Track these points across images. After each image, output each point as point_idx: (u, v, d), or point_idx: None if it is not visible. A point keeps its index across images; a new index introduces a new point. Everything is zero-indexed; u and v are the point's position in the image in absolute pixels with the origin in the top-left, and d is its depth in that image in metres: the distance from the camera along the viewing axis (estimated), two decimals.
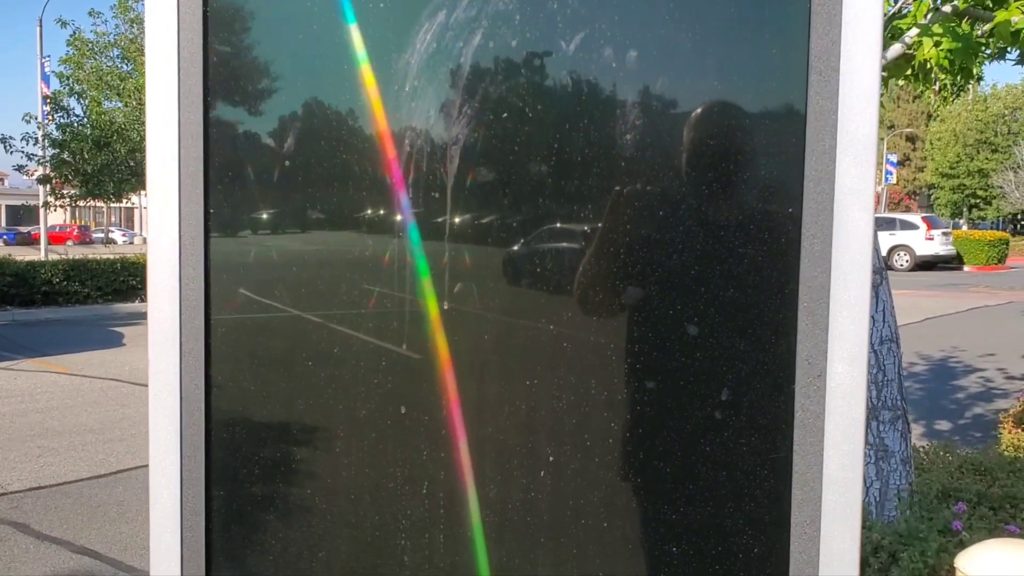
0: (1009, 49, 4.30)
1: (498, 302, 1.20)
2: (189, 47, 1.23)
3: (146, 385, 1.27)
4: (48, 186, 21.30)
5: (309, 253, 1.25)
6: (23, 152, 20.47)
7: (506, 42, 1.16)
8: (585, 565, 1.21)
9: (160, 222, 1.25)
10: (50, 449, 6.51)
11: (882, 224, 26.20)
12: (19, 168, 21.28)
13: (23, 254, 20.45)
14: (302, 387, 1.25)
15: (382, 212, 1.22)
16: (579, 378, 1.19)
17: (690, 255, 1.15)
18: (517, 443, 1.21)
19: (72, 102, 20.17)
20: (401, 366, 1.23)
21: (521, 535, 1.22)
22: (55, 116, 20.02)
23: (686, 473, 1.17)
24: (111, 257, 17.61)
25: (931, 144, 50.81)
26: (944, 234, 28.64)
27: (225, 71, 1.23)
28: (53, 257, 19.31)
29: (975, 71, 4.79)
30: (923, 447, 5.00)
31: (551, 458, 1.20)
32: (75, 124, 19.86)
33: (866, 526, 3.49)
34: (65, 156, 19.73)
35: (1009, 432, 5.84)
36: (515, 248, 1.19)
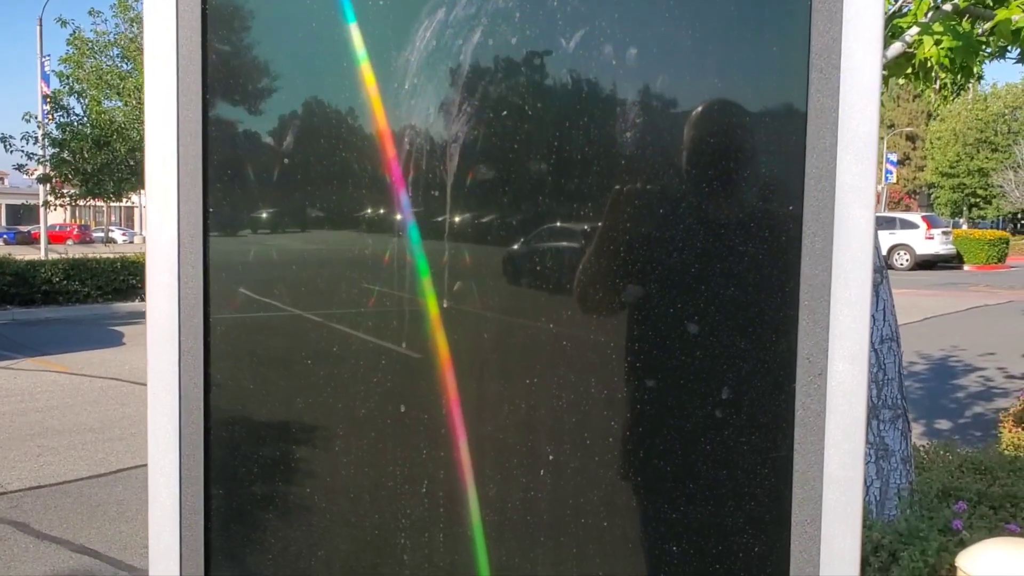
0: (1009, 48, 4.30)
1: (498, 301, 1.20)
2: (188, 45, 1.22)
3: (146, 384, 1.27)
4: (48, 185, 21.30)
5: (308, 252, 1.25)
6: (23, 151, 20.49)
7: (506, 40, 1.16)
8: (585, 564, 1.21)
9: (159, 221, 1.24)
10: (50, 448, 6.51)
11: (882, 223, 26.18)
12: (19, 167, 21.29)
13: (23, 253, 20.46)
14: (301, 386, 1.25)
15: (381, 211, 1.22)
16: (579, 377, 1.19)
17: (690, 253, 1.15)
18: (517, 442, 1.21)
19: (72, 101, 20.19)
20: (401, 365, 1.23)
21: (521, 534, 1.22)
22: (55, 115, 20.02)
23: (686, 472, 1.17)
24: (111, 256, 17.62)
25: (931, 143, 50.81)
26: (944, 233, 28.64)
27: (224, 69, 1.23)
28: (53, 256, 19.32)
29: (975, 70, 4.78)
30: (923, 446, 5.00)
31: (551, 457, 1.20)
32: (75, 123, 19.86)
33: (866, 525, 3.49)
34: (65, 155, 19.73)
35: (1009, 431, 5.84)
36: (515, 247, 1.19)
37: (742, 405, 1.15)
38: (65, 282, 15.99)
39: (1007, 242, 31.71)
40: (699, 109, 1.14)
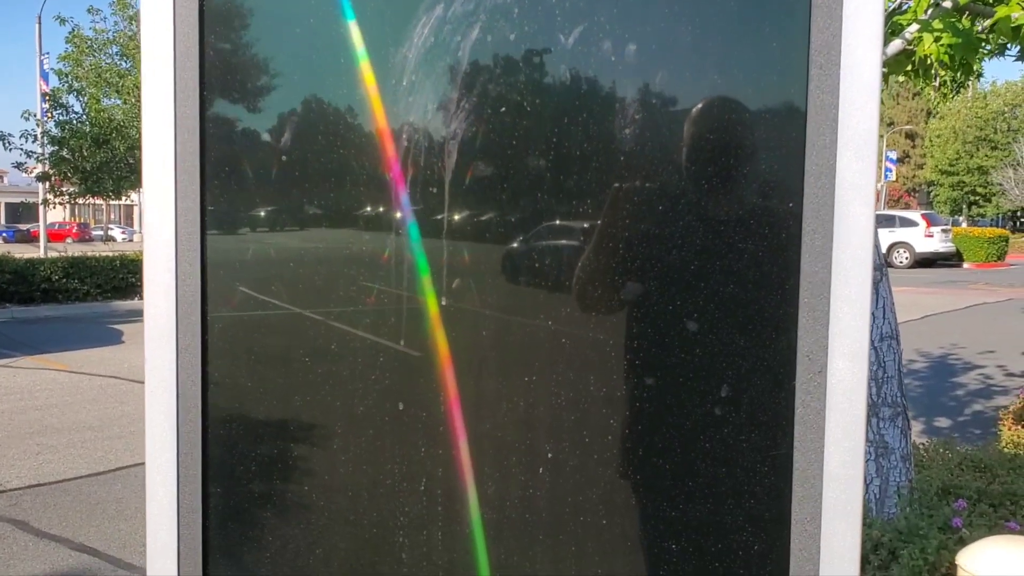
0: (1009, 45, 4.30)
1: (497, 299, 1.20)
2: (185, 43, 1.22)
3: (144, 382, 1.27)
4: (47, 183, 21.29)
5: (306, 250, 1.25)
6: (22, 149, 20.47)
7: (504, 36, 1.16)
8: (584, 562, 1.21)
9: (156, 219, 1.24)
10: (49, 447, 6.50)
11: (882, 221, 26.18)
12: (18, 165, 21.25)
13: (22, 251, 20.45)
14: (299, 384, 1.25)
15: (380, 208, 1.21)
16: (578, 375, 1.19)
17: (690, 251, 1.14)
18: (516, 440, 1.21)
19: (71, 99, 20.17)
20: (399, 363, 1.22)
21: (520, 532, 1.21)
22: (54, 113, 20.00)
23: (686, 470, 1.17)
24: (110, 254, 17.63)
25: (931, 141, 50.80)
26: (944, 231, 28.64)
27: (221, 67, 1.23)
28: (52, 254, 19.33)
29: (975, 67, 4.78)
30: (923, 444, 5.00)
31: (550, 455, 1.20)
32: (74, 121, 19.84)
33: (866, 523, 3.49)
34: (64, 153, 19.72)
35: (1009, 429, 5.85)
36: (514, 245, 1.18)
37: (742, 403, 1.15)
38: (64, 280, 15.99)
39: (1007, 240, 31.73)
40: (699, 106, 1.13)
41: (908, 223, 28.25)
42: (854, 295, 1.10)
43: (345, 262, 1.23)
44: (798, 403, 1.12)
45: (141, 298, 1.20)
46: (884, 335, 3.94)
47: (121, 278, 16.66)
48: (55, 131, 19.85)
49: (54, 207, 22.27)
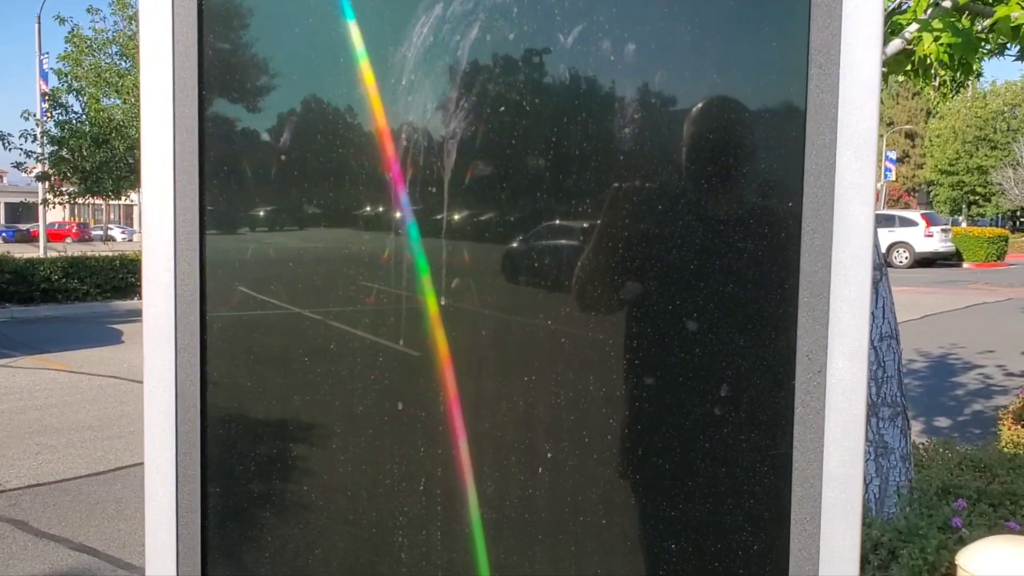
0: (1009, 45, 4.29)
1: (496, 299, 1.20)
2: (184, 42, 1.22)
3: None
4: (47, 183, 21.28)
5: (305, 249, 1.25)
6: (21, 149, 20.46)
7: (503, 36, 1.15)
8: (584, 562, 1.21)
9: (155, 218, 1.24)
10: (49, 446, 6.50)
11: (881, 221, 26.18)
12: (18, 165, 21.24)
13: (22, 251, 20.45)
14: (299, 384, 1.24)
15: (379, 208, 1.21)
16: (578, 375, 1.19)
17: (689, 250, 1.14)
18: (515, 440, 1.21)
19: (71, 99, 20.16)
20: (399, 363, 1.22)
21: (520, 532, 1.21)
22: (54, 113, 19.99)
23: (685, 470, 1.17)
24: (110, 254, 17.63)
25: (930, 141, 50.80)
26: (943, 231, 28.65)
27: (220, 66, 1.23)
28: (52, 254, 19.34)
29: (975, 67, 4.78)
30: (923, 444, 5.00)
31: (549, 455, 1.20)
32: (74, 121, 19.83)
33: (866, 523, 3.49)
34: (64, 153, 19.71)
35: (1008, 429, 5.85)
36: (514, 244, 1.18)
37: (741, 403, 1.15)
38: (64, 280, 15.98)
39: (1006, 240, 31.74)
40: (698, 105, 1.13)
41: (908, 223, 28.25)
42: (854, 295, 1.10)
43: (344, 262, 1.23)
44: (798, 403, 1.12)
45: (140, 298, 1.19)
46: (884, 335, 3.94)
47: (121, 278, 16.66)
48: (55, 131, 19.85)
49: (54, 207, 22.26)
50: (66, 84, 20.21)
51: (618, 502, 1.19)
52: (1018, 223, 51.63)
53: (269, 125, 1.24)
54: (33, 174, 22.31)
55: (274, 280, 1.25)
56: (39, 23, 26.66)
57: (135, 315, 14.22)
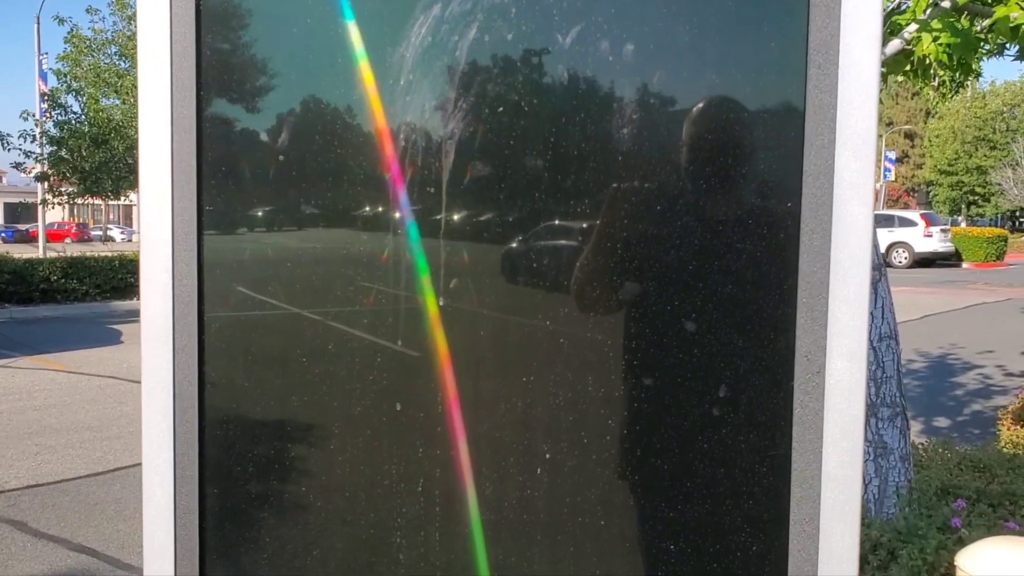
0: (1008, 45, 4.30)
1: (495, 299, 1.19)
2: (182, 42, 1.21)
3: None
4: (46, 183, 21.28)
5: (304, 249, 1.24)
6: (21, 149, 20.46)
7: (502, 36, 1.15)
8: (583, 563, 1.21)
9: (153, 218, 1.23)
10: (48, 447, 6.50)
11: (881, 221, 26.18)
12: (17, 165, 21.23)
13: (21, 251, 20.44)
14: (297, 384, 1.24)
15: (378, 208, 1.21)
16: (577, 375, 1.19)
17: (688, 251, 1.14)
18: (514, 440, 1.20)
19: (70, 99, 20.16)
20: (398, 363, 1.22)
21: (518, 533, 1.21)
22: (53, 113, 19.99)
23: (684, 470, 1.16)
24: (109, 255, 17.63)
25: (930, 141, 50.82)
26: (943, 231, 28.66)
27: (218, 66, 1.22)
28: (51, 255, 19.34)
29: (974, 67, 4.78)
30: (922, 444, 5.00)
31: (548, 455, 1.20)
32: (73, 121, 19.84)
33: (865, 523, 3.49)
34: (63, 153, 19.71)
35: (1008, 429, 5.85)
36: (513, 245, 1.18)
37: (740, 403, 1.14)
38: (63, 280, 15.98)
39: (1005, 240, 31.75)
40: (697, 106, 1.13)
41: (907, 223, 28.26)
42: (852, 295, 1.09)
43: (343, 262, 1.22)
44: (796, 403, 1.12)
45: (139, 298, 1.19)
46: (883, 335, 3.94)
47: (120, 278, 16.65)
48: (54, 131, 19.84)
49: (53, 207, 22.26)
50: (65, 84, 20.21)
51: (617, 503, 1.19)
52: (1017, 223, 51.66)
53: (267, 125, 1.24)
54: (32, 174, 22.30)
55: (272, 280, 1.24)
56: (38, 23, 26.66)
57: (134, 315, 14.22)
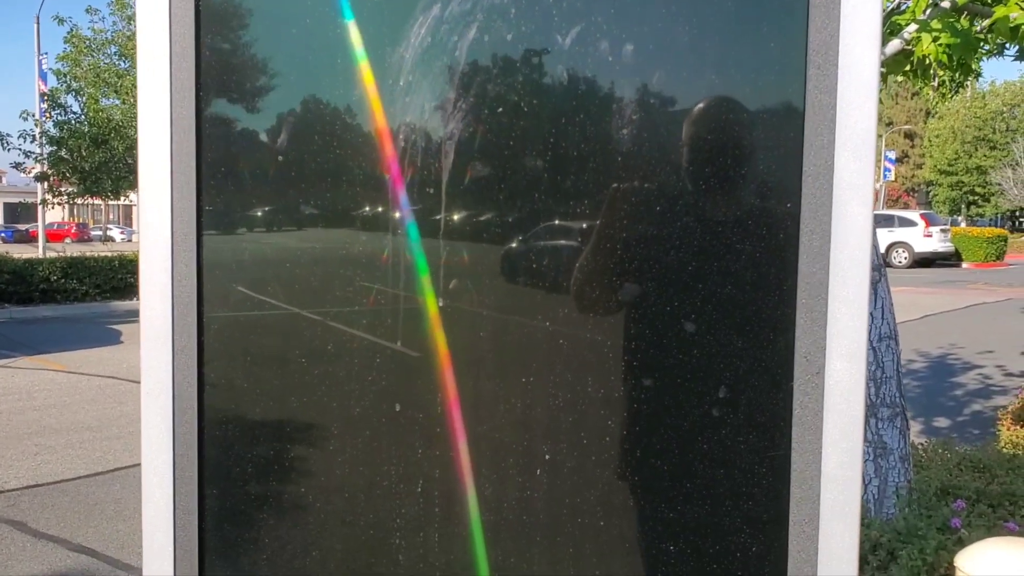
0: (1008, 45, 4.30)
1: (495, 299, 1.19)
2: (181, 42, 1.21)
3: None
4: (46, 183, 21.28)
5: (303, 250, 1.24)
6: (20, 149, 20.46)
7: (501, 36, 1.15)
8: (582, 564, 1.20)
9: (152, 219, 1.23)
10: (47, 447, 6.49)
11: (880, 221, 26.18)
12: (17, 165, 21.24)
13: (21, 251, 20.45)
14: (296, 385, 1.24)
15: (377, 209, 1.21)
16: (576, 376, 1.18)
17: (687, 251, 1.14)
18: (514, 441, 1.20)
19: (69, 99, 20.16)
20: (397, 363, 1.22)
21: (518, 534, 1.21)
22: (52, 113, 19.99)
23: (684, 471, 1.16)
24: (109, 255, 17.63)
25: (929, 141, 50.82)
26: (942, 231, 28.67)
27: (218, 66, 1.22)
28: (51, 255, 19.34)
29: (974, 67, 4.78)
30: (922, 444, 5.00)
31: (548, 456, 1.19)
32: (73, 121, 19.84)
33: (865, 524, 3.49)
34: (63, 153, 19.71)
35: (1008, 429, 5.84)
36: (512, 245, 1.18)
37: (739, 404, 1.14)
38: (63, 280, 15.98)
39: (1005, 240, 31.76)
40: (697, 106, 1.13)
41: (907, 223, 28.26)
42: (852, 295, 1.09)
43: (343, 262, 1.22)
44: (796, 404, 1.12)
45: (139, 298, 1.19)
46: (883, 335, 3.93)
47: (120, 278, 16.65)
48: (53, 131, 19.85)
49: (52, 207, 22.26)
50: (65, 84, 20.22)
51: (617, 503, 1.19)
52: (1017, 223, 51.67)
53: (267, 125, 1.24)
54: (32, 174, 22.31)
55: (272, 281, 1.24)
56: (38, 23, 26.66)
57: (134, 315, 14.21)
